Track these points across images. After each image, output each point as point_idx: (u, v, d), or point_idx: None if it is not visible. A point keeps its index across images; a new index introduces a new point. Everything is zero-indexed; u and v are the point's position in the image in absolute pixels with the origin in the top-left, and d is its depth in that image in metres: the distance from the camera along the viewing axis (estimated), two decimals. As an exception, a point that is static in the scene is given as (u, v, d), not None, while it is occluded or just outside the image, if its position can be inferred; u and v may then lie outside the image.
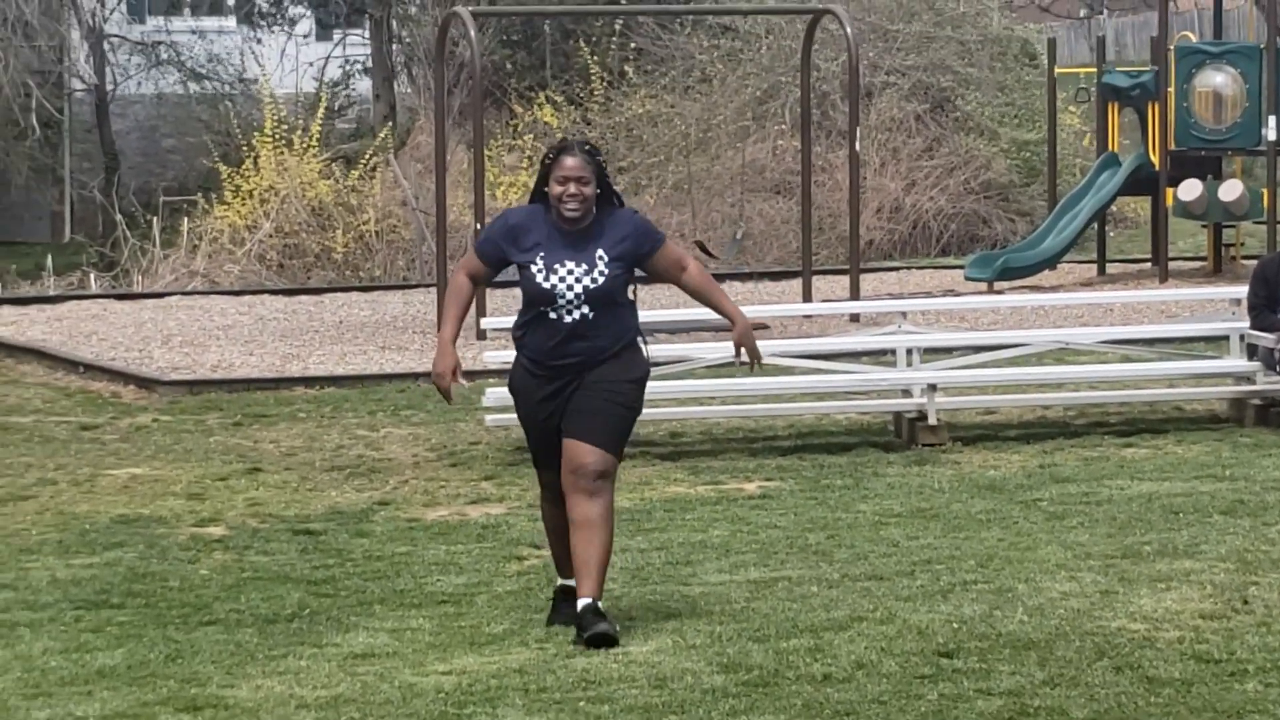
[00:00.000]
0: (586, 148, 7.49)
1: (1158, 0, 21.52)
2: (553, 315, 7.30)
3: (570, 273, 7.26)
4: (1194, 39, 22.26)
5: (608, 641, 7.15)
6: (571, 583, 7.37)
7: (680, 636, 7.79)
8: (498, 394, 11.59)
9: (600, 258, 7.27)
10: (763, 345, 9.70)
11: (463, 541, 9.64)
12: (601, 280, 7.26)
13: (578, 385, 7.32)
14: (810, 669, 7.12)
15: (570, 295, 7.25)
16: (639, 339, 7.51)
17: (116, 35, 31.57)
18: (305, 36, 32.02)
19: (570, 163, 7.25)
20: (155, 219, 25.35)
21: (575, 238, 7.29)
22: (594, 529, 7.29)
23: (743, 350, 7.55)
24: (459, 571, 8.45)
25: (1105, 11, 37.46)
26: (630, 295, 7.50)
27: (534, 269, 7.25)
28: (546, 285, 7.24)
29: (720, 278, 19.71)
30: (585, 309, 7.26)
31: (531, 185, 7.53)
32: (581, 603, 7.23)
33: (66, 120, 30.36)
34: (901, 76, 25.13)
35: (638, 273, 7.51)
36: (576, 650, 7.53)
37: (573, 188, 7.21)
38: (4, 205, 30.18)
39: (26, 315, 20.36)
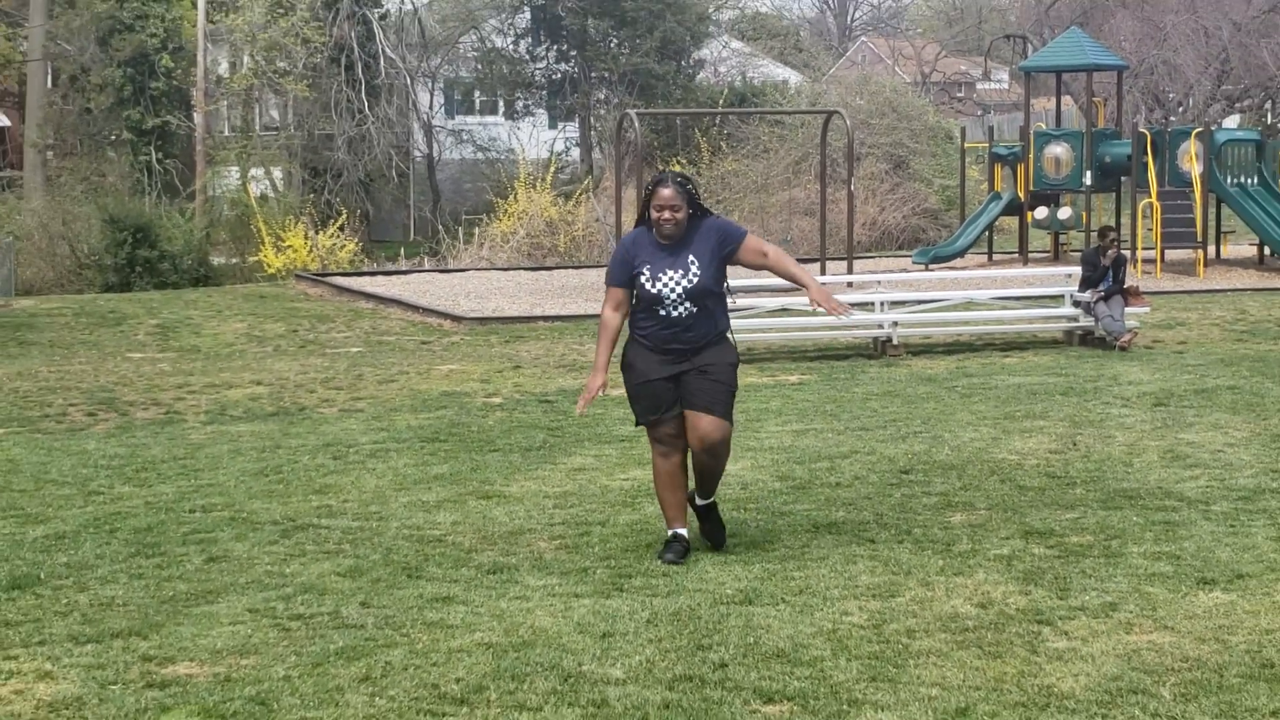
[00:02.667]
0: (678, 179, 7.89)
1: (1024, 106, 30.16)
2: (662, 311, 7.86)
3: (671, 278, 7.80)
4: (1044, 127, 30.09)
5: (717, 540, 8.13)
6: (680, 531, 7.94)
7: (755, 461, 10.58)
8: None
9: (692, 263, 7.77)
10: (798, 298, 14.16)
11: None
12: (695, 281, 7.80)
13: (690, 368, 7.86)
14: (828, 479, 9.91)
15: (673, 295, 7.80)
16: (728, 333, 8.00)
17: (438, 125, 46.57)
18: (543, 125, 46.70)
19: (665, 193, 7.77)
20: (460, 228, 35.44)
21: (673, 249, 7.82)
22: (715, 476, 8.06)
23: (818, 305, 7.97)
24: (632, 424, 8.78)
25: (993, 111, 57.87)
26: (725, 289, 8.00)
27: (643, 278, 7.84)
28: (653, 290, 7.83)
29: None
30: (687, 304, 7.81)
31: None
32: (702, 501, 8.09)
33: (410, 174, 43.61)
34: (876, 148, 36.17)
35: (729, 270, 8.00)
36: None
37: (667, 214, 7.77)
38: (378, 221, 41.66)
39: (390, 281, 27.34)
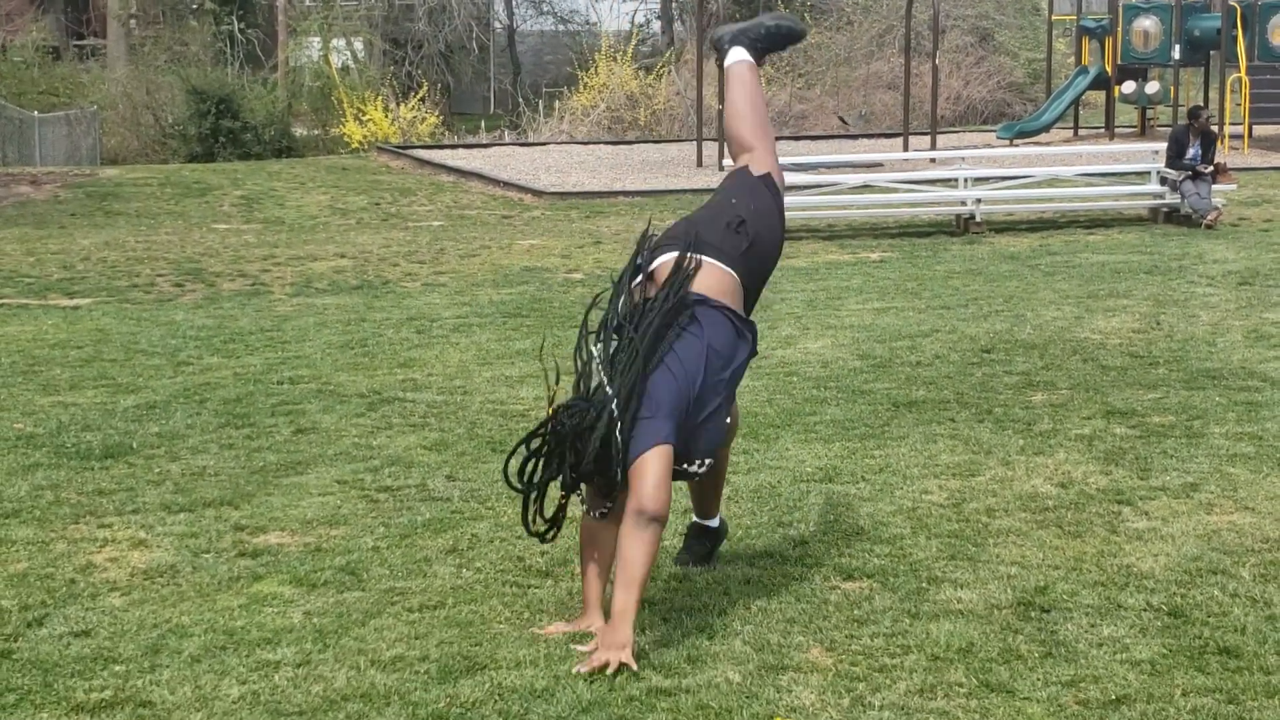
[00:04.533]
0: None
1: None
2: None
3: None
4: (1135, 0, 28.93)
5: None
6: (709, 523, 6.00)
7: (835, 339, 10.68)
8: None
9: None
10: (880, 175, 14.53)
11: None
12: None
13: None
14: (908, 358, 9.93)
15: None
16: None
17: None
18: None
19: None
20: (540, 102, 35.03)
21: None
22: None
23: None
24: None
25: None
26: None
27: None
28: None
29: (854, 137, 29.40)
30: None
31: None
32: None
33: (491, 46, 42.65)
34: (961, 20, 34.90)
35: None
36: (773, 345, 10.04)
37: None
38: (458, 94, 41.25)
39: (471, 155, 27.36)
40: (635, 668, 4.83)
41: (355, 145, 32.03)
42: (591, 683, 4.82)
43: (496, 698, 4.73)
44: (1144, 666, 4.93)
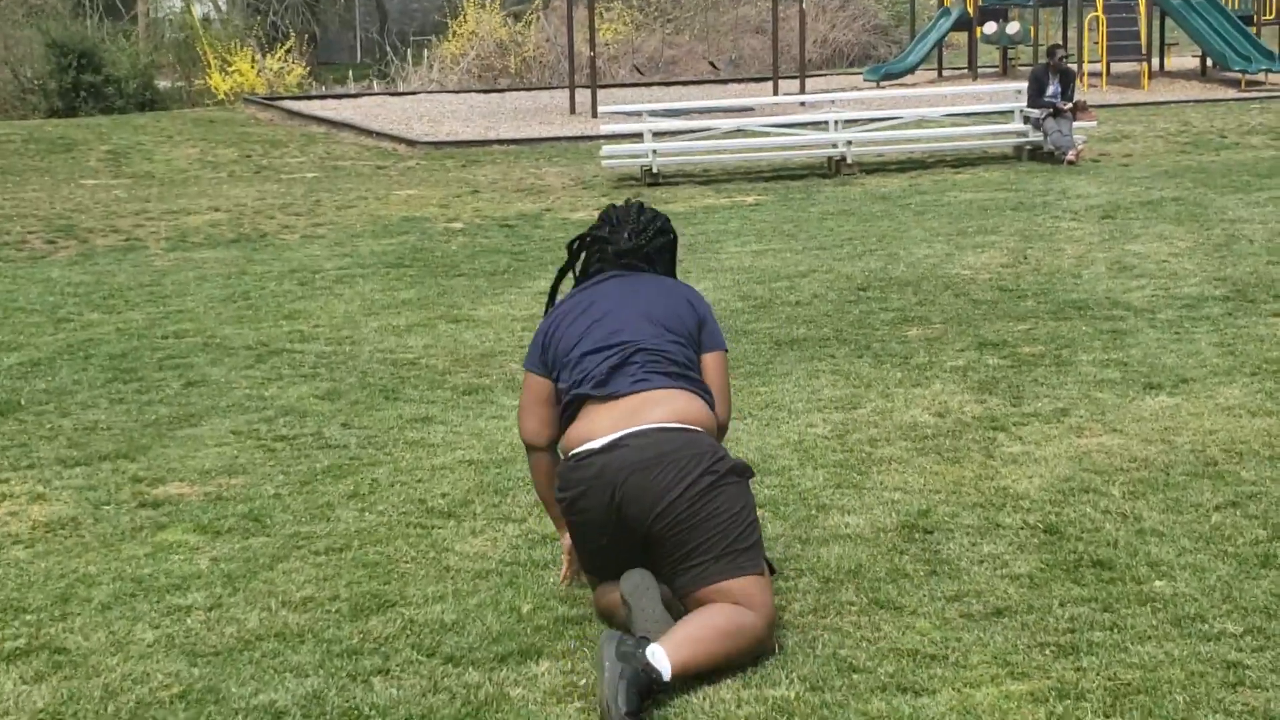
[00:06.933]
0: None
1: None
2: None
3: None
4: None
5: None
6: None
7: (716, 281, 10.79)
8: (610, 149, 16.97)
9: None
10: (752, 120, 14.80)
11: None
12: None
13: None
14: (788, 298, 10.08)
15: None
16: None
17: None
18: None
19: None
20: (409, 50, 34.51)
21: None
22: None
23: None
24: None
25: None
26: None
27: None
28: None
29: (724, 82, 29.35)
30: None
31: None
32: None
33: None
34: None
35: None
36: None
37: None
38: (325, 43, 40.33)
39: (340, 105, 27.21)
40: None
41: (221, 97, 31.62)
42: (500, 614, 4.96)
43: (408, 632, 4.84)
44: (1023, 580, 5.10)
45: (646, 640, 4.25)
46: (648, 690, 4.10)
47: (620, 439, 4.61)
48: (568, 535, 4.94)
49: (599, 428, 4.66)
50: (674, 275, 5.18)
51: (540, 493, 5.03)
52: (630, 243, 5.02)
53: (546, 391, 4.89)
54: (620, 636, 4.21)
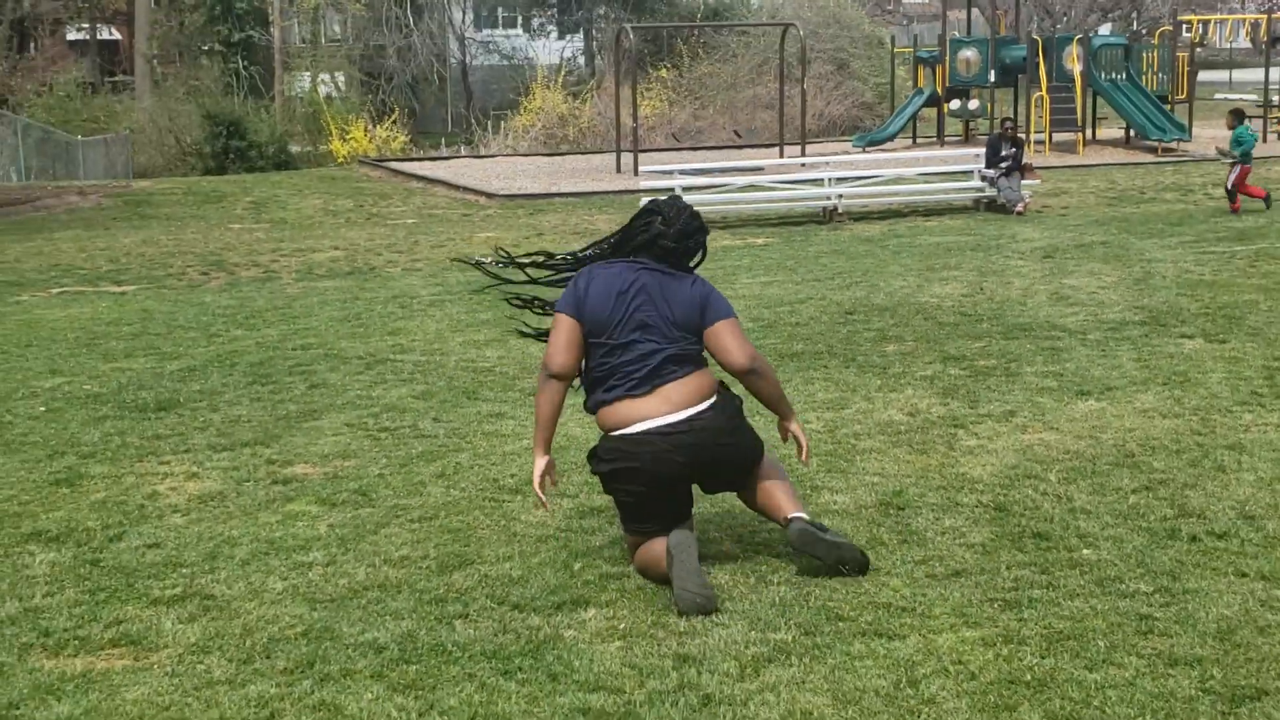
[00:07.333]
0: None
1: (942, 17, 29.76)
2: None
3: None
4: (958, 34, 30.11)
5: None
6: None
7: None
8: (647, 200, 16.46)
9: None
10: (762, 177, 14.88)
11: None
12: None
13: None
14: (789, 320, 10.03)
15: None
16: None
17: (470, 37, 46.03)
18: (554, 37, 45.45)
19: None
20: (489, 122, 34.16)
21: None
22: None
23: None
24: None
25: (916, 21, 56.71)
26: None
27: None
28: None
29: (741, 147, 28.68)
30: None
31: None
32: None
33: (448, 77, 42.40)
34: (823, 53, 34.63)
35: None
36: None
37: None
38: (422, 116, 40.34)
39: (434, 165, 26.87)
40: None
41: (340, 159, 31.78)
42: (556, 571, 4.97)
43: (483, 585, 4.86)
44: (977, 548, 5.09)
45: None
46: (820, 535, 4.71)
47: (654, 430, 4.72)
48: (544, 459, 4.86)
49: (644, 413, 4.73)
50: (702, 257, 4.98)
51: (542, 413, 4.85)
52: (675, 245, 4.87)
53: (577, 334, 4.80)
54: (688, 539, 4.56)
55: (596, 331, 4.79)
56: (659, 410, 4.74)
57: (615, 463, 4.76)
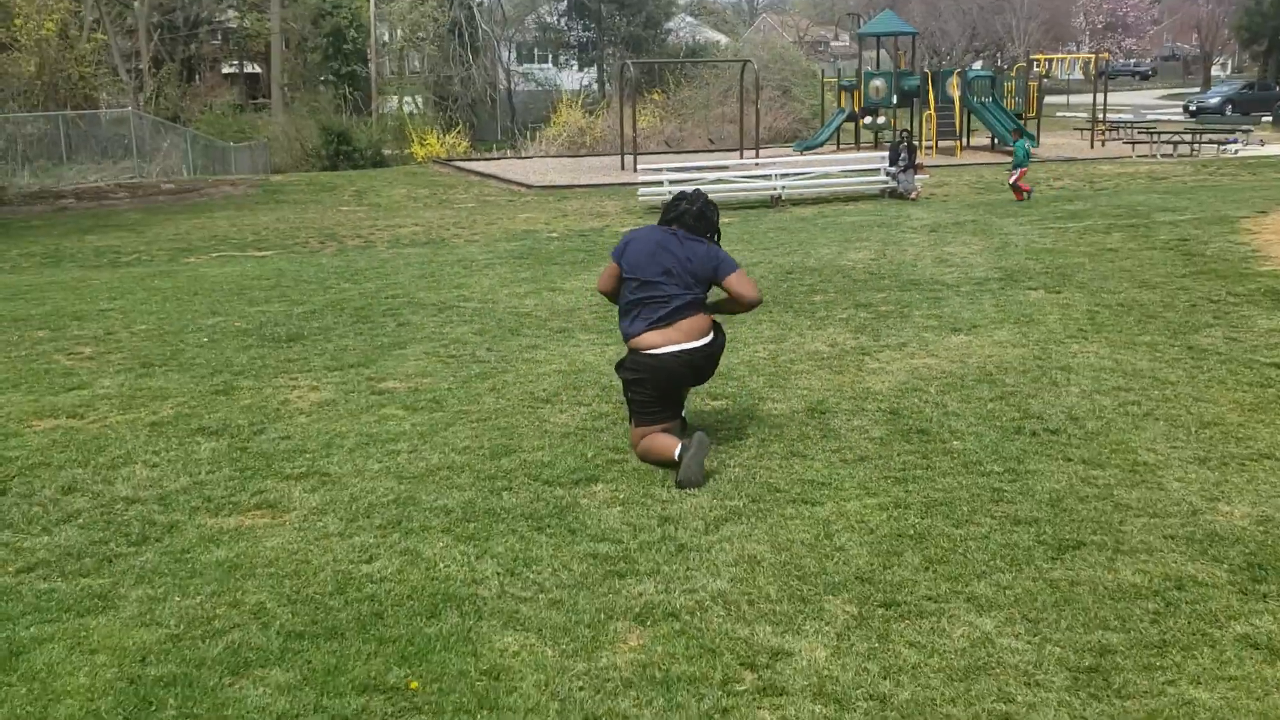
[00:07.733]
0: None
1: (858, 56, 29.13)
2: None
3: None
4: (870, 69, 28.65)
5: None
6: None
7: None
8: (644, 190, 16.05)
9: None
10: (727, 173, 14.27)
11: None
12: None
13: None
14: (760, 272, 10.37)
15: None
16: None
17: (514, 70, 45.16)
18: (575, 70, 44.42)
19: None
20: (528, 132, 33.34)
21: None
22: None
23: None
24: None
25: (840, 59, 54.78)
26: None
27: None
28: None
29: (712, 151, 27.63)
30: None
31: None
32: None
33: (498, 100, 41.33)
34: (771, 82, 33.45)
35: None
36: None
37: None
38: (479, 127, 38.75)
39: (488, 164, 26.06)
40: None
41: (419, 159, 31.39)
42: (575, 458, 4.94)
43: (523, 467, 4.79)
44: (876, 440, 5.02)
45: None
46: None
47: (672, 353, 4.76)
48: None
49: (657, 341, 4.77)
50: (712, 232, 4.96)
51: (603, 287, 4.97)
52: (695, 221, 4.91)
53: (617, 273, 4.91)
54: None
55: (632, 271, 4.85)
56: (678, 339, 4.80)
57: (640, 372, 4.80)
